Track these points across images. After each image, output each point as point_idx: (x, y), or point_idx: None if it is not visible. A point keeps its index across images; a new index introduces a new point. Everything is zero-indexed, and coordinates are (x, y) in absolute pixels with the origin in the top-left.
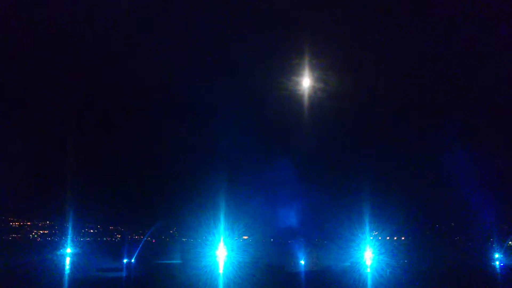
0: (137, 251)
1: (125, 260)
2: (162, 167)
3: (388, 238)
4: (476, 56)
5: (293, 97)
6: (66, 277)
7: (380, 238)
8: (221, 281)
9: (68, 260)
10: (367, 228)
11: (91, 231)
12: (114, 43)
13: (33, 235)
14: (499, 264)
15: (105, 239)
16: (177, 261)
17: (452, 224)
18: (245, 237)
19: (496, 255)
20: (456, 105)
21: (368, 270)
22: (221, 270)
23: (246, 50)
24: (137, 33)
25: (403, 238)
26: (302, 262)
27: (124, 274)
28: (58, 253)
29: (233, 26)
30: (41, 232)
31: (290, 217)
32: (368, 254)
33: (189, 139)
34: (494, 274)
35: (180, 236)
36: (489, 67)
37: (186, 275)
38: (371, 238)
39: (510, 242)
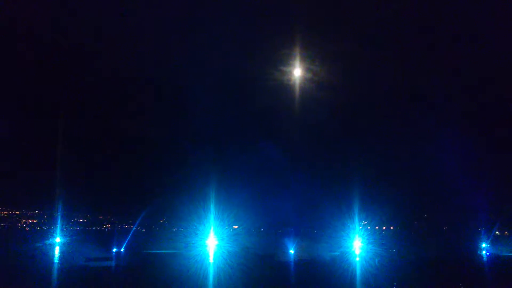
0: (127, 240)
1: (114, 250)
2: (152, 157)
3: (377, 227)
4: (467, 48)
5: (283, 87)
6: (55, 267)
7: (369, 227)
8: (211, 270)
9: (57, 250)
10: (357, 218)
11: (80, 220)
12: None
13: (21, 225)
14: (486, 254)
15: (94, 228)
16: (167, 250)
17: (441, 214)
18: (235, 227)
19: (483, 245)
20: (445, 96)
21: (357, 259)
22: (211, 259)
23: (237, 40)
24: (126, 22)
25: (391, 227)
26: (292, 251)
27: (113, 263)
28: (47, 242)
29: (224, 16)
30: (30, 221)
31: (280, 207)
32: (357, 244)
33: (179, 129)
34: (481, 263)
35: (170, 225)
36: (479, 59)
37: (176, 264)
38: (360, 228)
39: (497, 232)
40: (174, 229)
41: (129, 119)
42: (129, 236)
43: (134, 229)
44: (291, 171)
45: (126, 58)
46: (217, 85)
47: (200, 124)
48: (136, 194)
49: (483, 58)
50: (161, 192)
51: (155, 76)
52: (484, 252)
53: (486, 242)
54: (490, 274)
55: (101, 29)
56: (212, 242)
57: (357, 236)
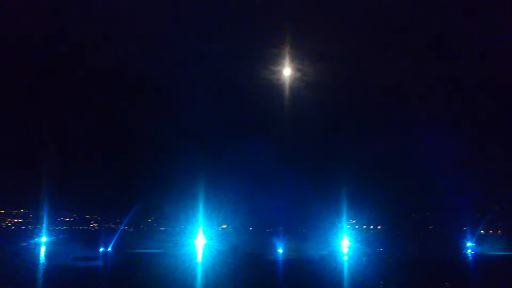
0: (114, 240)
1: (101, 249)
2: (140, 156)
3: (364, 227)
4: (456, 47)
5: (273, 87)
6: (41, 266)
7: (357, 227)
8: (199, 269)
9: (43, 249)
10: (345, 217)
11: (67, 219)
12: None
13: (7, 224)
14: (471, 252)
15: (81, 227)
16: (155, 250)
17: (427, 213)
18: (224, 226)
19: (468, 244)
20: (434, 95)
21: (345, 258)
22: (199, 258)
23: (227, 39)
24: (113, 20)
25: (379, 227)
26: (281, 250)
27: (100, 263)
28: (33, 241)
29: (213, 14)
30: (15, 220)
31: (269, 206)
32: (345, 243)
33: (168, 127)
34: (466, 262)
35: (158, 225)
36: (468, 58)
37: (164, 264)
38: (348, 227)
39: (482, 231)
40: (162, 229)
41: (117, 118)
42: (117, 236)
43: (121, 228)
44: (280, 170)
45: (114, 55)
46: (206, 84)
47: (189, 123)
48: (124, 193)
49: (471, 57)
50: (149, 191)
51: (143, 75)
52: (469, 251)
53: (471, 241)
54: (474, 272)
55: (87, 26)
56: (200, 241)
57: (345, 235)
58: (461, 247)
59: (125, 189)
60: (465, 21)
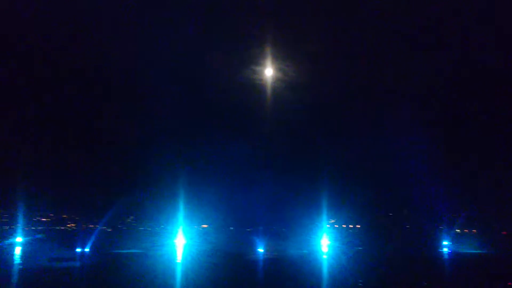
0: (92, 240)
1: (78, 250)
2: (119, 155)
3: (344, 226)
4: (438, 49)
5: (254, 86)
6: (16, 267)
7: (336, 226)
8: (179, 270)
9: (18, 250)
10: (324, 216)
11: (43, 219)
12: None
13: None
14: (447, 251)
15: (58, 227)
16: (134, 250)
17: (404, 212)
18: (204, 226)
19: (445, 242)
20: (413, 96)
21: (325, 257)
22: (179, 258)
23: (207, 38)
24: (84, 18)
25: (358, 226)
26: (261, 249)
27: (77, 263)
28: (7, 242)
29: (195, 13)
30: None
31: (250, 206)
32: (325, 242)
33: (148, 126)
34: (441, 260)
35: (137, 225)
36: (450, 61)
37: (143, 264)
38: (328, 226)
39: (457, 230)
40: (141, 229)
41: (95, 115)
42: (94, 236)
43: (99, 228)
44: (261, 170)
45: (86, 54)
46: (186, 83)
47: (169, 122)
48: (102, 192)
49: (454, 59)
50: (128, 191)
51: (121, 72)
52: (445, 249)
53: (447, 239)
54: (450, 270)
55: (52, 24)
56: (180, 241)
57: (325, 234)
58: (437, 246)
59: (104, 188)
60: (446, 21)
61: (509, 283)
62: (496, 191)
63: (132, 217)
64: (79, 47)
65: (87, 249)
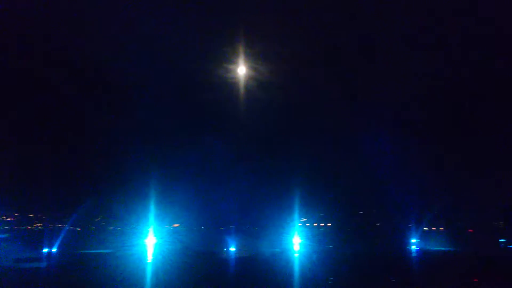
0: (59, 240)
1: (45, 250)
2: (88, 153)
3: (315, 224)
4: (407, 50)
5: (227, 84)
6: None
7: (308, 224)
8: (149, 269)
9: None
10: (296, 215)
11: (8, 219)
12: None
13: None
14: (415, 248)
15: (24, 227)
16: (103, 250)
17: (374, 211)
18: (176, 225)
19: (413, 240)
20: (382, 96)
21: (296, 255)
22: (150, 258)
23: (180, 36)
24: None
25: (329, 224)
26: (233, 249)
27: (44, 264)
28: None
29: (166, 10)
30: None
31: (222, 205)
32: (297, 240)
33: (118, 124)
34: (409, 257)
35: (107, 224)
36: (418, 61)
37: (112, 264)
38: (300, 224)
39: (425, 228)
40: (111, 228)
41: (64, 113)
42: (62, 235)
43: (67, 228)
44: (233, 168)
45: (59, 52)
46: (157, 80)
47: (140, 120)
48: (70, 191)
49: (422, 59)
50: (96, 189)
51: (91, 70)
52: (413, 246)
53: (415, 237)
54: (417, 267)
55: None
56: (151, 241)
57: (296, 233)
58: (406, 243)
59: (72, 187)
60: (420, 24)
61: (475, 280)
62: (462, 190)
63: (101, 216)
64: (51, 41)
65: (54, 249)
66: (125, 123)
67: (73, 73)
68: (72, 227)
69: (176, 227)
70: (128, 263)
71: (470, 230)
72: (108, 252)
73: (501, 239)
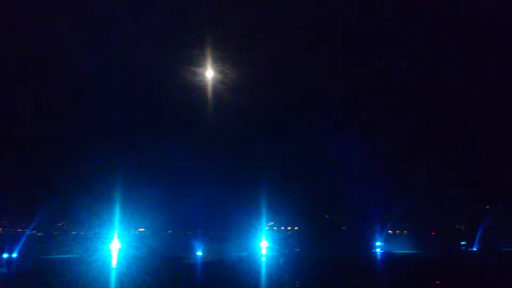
0: (20, 245)
1: (5, 255)
2: (50, 155)
3: (282, 228)
4: (376, 51)
5: (194, 87)
6: None
7: (275, 228)
8: (113, 274)
9: None
10: (264, 219)
11: None
12: None
13: None
14: (380, 251)
15: None
16: (65, 255)
17: (340, 214)
18: (142, 229)
19: (378, 243)
20: (349, 99)
21: (264, 259)
22: (114, 263)
23: (147, 37)
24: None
25: (296, 228)
26: (200, 253)
27: (3, 270)
28: None
29: (133, 12)
30: None
31: (188, 209)
32: (264, 244)
33: (80, 126)
34: (374, 260)
35: (70, 229)
36: (388, 62)
37: (75, 270)
38: (267, 228)
39: (389, 231)
40: (74, 233)
41: (23, 115)
42: (23, 240)
43: (28, 232)
44: (200, 172)
45: (17, 50)
46: (124, 82)
47: (104, 122)
48: (32, 194)
49: (388, 60)
50: (59, 193)
51: (52, 70)
52: (378, 249)
53: (380, 240)
54: (381, 269)
55: None
56: (115, 245)
57: (264, 236)
58: (371, 246)
59: (33, 190)
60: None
61: (437, 282)
62: (426, 194)
63: (64, 221)
64: (4, 39)
65: (14, 255)
66: (90, 124)
67: (33, 72)
68: (33, 232)
69: (142, 231)
70: (92, 269)
71: (432, 233)
72: (71, 258)
73: (462, 242)
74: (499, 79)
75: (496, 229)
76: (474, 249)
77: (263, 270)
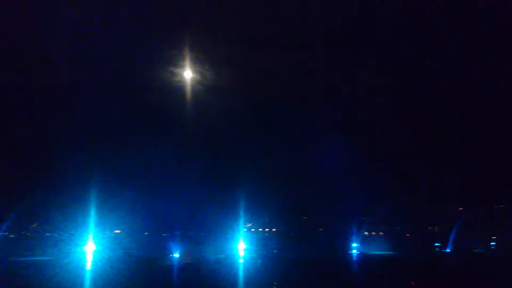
0: None
1: None
2: (24, 155)
3: (260, 230)
4: (354, 51)
5: (172, 88)
6: None
7: (253, 230)
8: (88, 277)
9: None
10: (242, 221)
11: None
12: None
13: None
14: (356, 253)
15: None
16: (39, 257)
17: (317, 216)
18: (117, 231)
19: (354, 245)
20: (329, 100)
21: (241, 260)
22: (89, 266)
23: (124, 37)
24: None
25: (274, 229)
26: (177, 255)
27: None
28: None
29: (111, 14)
30: None
31: (166, 210)
32: (242, 246)
33: (55, 125)
34: (351, 261)
35: (43, 231)
36: (364, 62)
37: (49, 272)
38: (245, 230)
39: (365, 233)
40: (47, 235)
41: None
42: None
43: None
44: (177, 174)
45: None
46: (101, 82)
47: (79, 121)
48: (3, 195)
49: (368, 61)
50: (33, 194)
51: (27, 69)
52: (354, 251)
53: (356, 241)
54: (357, 270)
55: None
56: (90, 247)
57: (241, 238)
58: (347, 247)
59: (3, 190)
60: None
61: (412, 283)
62: (401, 196)
63: (37, 222)
64: None
65: None
66: (64, 124)
67: (6, 71)
68: (5, 233)
69: (117, 233)
70: (66, 271)
71: (407, 235)
72: (44, 260)
73: (436, 243)
74: (468, 78)
75: (469, 231)
76: (448, 250)
77: (241, 272)
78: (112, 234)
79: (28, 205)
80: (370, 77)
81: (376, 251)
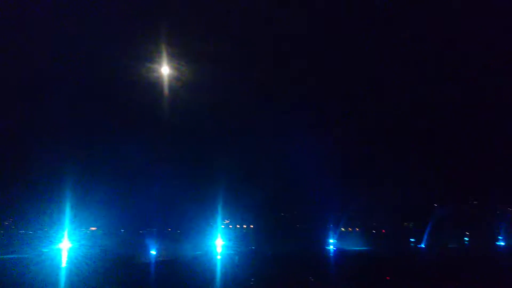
0: None
1: None
2: None
3: (238, 226)
4: (332, 47)
5: (147, 84)
6: None
7: (230, 226)
8: (63, 274)
9: None
10: (219, 217)
11: None
12: None
13: None
14: (333, 248)
15: None
16: (13, 255)
17: (295, 212)
18: (93, 228)
19: (331, 240)
20: (304, 96)
21: (219, 257)
22: (64, 263)
23: (101, 33)
24: None
25: (251, 226)
26: (154, 252)
27: None
28: None
29: (88, 10)
30: None
31: (142, 207)
32: (219, 242)
33: (30, 122)
34: (328, 256)
35: (17, 228)
36: (341, 58)
37: (23, 270)
38: (223, 227)
39: (342, 229)
40: (21, 232)
41: None
42: None
43: None
44: (153, 170)
45: None
46: (78, 78)
47: (55, 117)
48: None
49: (346, 56)
50: (5, 190)
51: (9, 69)
52: (331, 246)
53: (333, 237)
54: (334, 265)
55: None
56: (66, 245)
57: (219, 235)
58: (324, 243)
59: None
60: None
61: (387, 278)
62: (376, 192)
63: (11, 219)
64: None
65: None
66: (40, 120)
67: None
68: None
69: (93, 230)
70: (41, 269)
71: (383, 231)
72: (18, 258)
73: (411, 239)
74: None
75: (443, 227)
76: (422, 245)
77: (218, 269)
78: (88, 232)
79: (0, 202)
80: (344, 76)
81: (353, 246)
